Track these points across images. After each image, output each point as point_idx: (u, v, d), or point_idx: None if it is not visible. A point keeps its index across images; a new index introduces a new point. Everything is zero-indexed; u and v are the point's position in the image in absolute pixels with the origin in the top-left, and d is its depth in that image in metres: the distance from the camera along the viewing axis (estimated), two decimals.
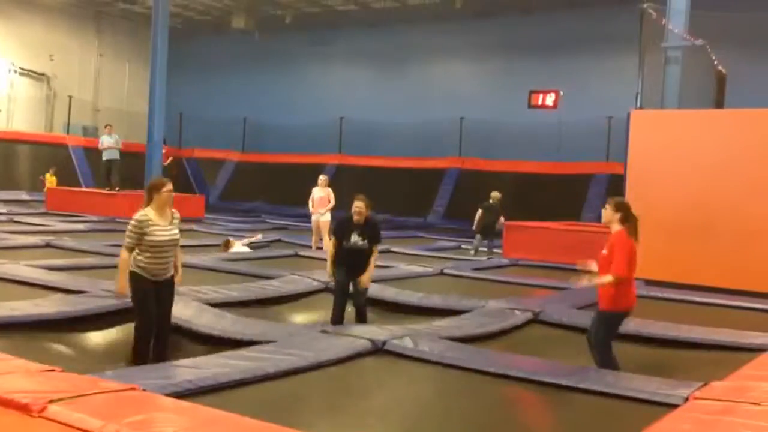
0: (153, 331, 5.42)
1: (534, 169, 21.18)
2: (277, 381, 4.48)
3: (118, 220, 14.62)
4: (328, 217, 12.19)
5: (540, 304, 7.65)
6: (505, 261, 12.24)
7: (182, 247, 11.21)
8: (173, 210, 5.60)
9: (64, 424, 3.08)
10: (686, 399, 4.24)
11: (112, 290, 6.53)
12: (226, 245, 11.75)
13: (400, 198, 22.25)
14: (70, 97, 25.55)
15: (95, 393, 3.47)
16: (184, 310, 6.32)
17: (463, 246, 14.93)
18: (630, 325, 6.88)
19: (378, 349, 5.33)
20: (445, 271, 10.32)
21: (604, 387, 4.61)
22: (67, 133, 25.01)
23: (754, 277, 9.39)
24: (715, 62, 12.62)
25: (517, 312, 7.13)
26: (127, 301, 5.65)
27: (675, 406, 4.16)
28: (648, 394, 4.46)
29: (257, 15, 25.82)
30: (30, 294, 6.68)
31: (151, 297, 5.40)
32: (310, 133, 25.31)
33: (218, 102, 27.55)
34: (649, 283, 9.75)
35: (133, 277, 5.41)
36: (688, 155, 10.14)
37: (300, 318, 7.42)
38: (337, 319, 6.69)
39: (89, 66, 27.33)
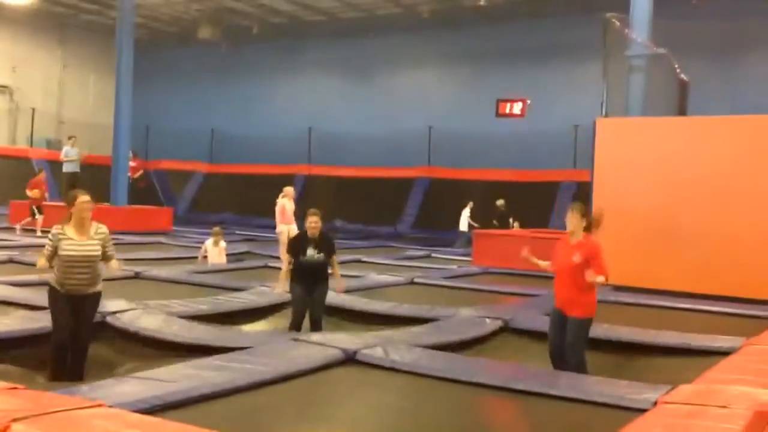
0: (66, 347, 5.33)
1: (503, 177, 21.33)
2: (247, 392, 4.44)
3: None
4: (295, 228, 12.08)
5: (510, 311, 7.69)
6: (476, 269, 12.29)
7: (151, 259, 11.17)
8: (98, 224, 5.42)
9: None
10: (655, 403, 4.28)
11: None
12: (216, 235, 11.56)
13: (369, 208, 22.25)
14: (33, 110, 25.16)
15: (60, 410, 3.39)
16: (152, 321, 6.26)
17: (433, 255, 14.96)
18: (599, 330, 6.96)
19: (349, 359, 5.31)
20: (416, 280, 10.33)
21: (573, 393, 4.63)
22: (31, 146, 24.61)
23: (719, 282, 9.55)
24: (678, 70, 12.84)
25: (487, 320, 7.16)
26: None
27: (644, 410, 4.20)
28: (616, 398, 4.49)
29: (224, 26, 25.70)
30: None
31: (64, 312, 5.30)
32: (279, 144, 25.21)
33: (185, 113, 27.34)
34: (618, 288, 9.87)
35: (49, 290, 5.39)
36: (653, 162, 10.29)
37: (270, 328, 7.36)
38: (296, 328, 6.79)
39: (53, 78, 26.96)
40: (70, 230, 5.32)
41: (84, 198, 5.34)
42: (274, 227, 12.84)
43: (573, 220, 5.82)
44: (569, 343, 5.63)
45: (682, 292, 9.52)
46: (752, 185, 9.69)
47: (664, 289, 9.67)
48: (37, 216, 15.77)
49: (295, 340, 5.68)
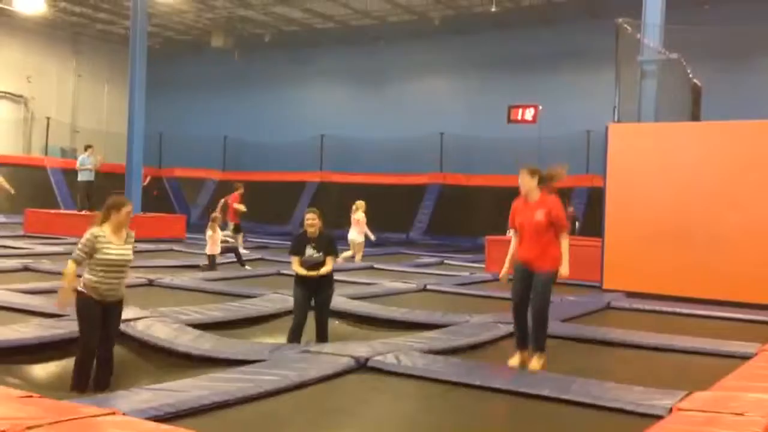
0: (95, 355, 5.26)
1: (515, 184, 21.18)
2: (259, 402, 4.44)
3: None
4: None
5: None
6: (488, 276, 12.24)
7: (165, 267, 11.23)
8: (129, 230, 5.50)
9: None
10: (670, 410, 4.25)
11: None
12: (214, 221, 12.04)
13: (381, 214, 22.19)
14: (48, 119, 25.37)
15: (74, 418, 3.41)
16: (165, 331, 6.25)
17: (445, 261, 14.93)
18: (613, 334, 6.93)
19: (361, 366, 5.30)
20: (429, 286, 10.31)
21: (588, 398, 4.61)
22: (45, 155, 24.82)
23: (733, 287, 9.47)
24: (690, 75, 12.77)
25: (500, 325, 7.14)
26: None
27: (659, 417, 4.17)
28: (632, 404, 4.46)
29: (236, 34, 25.85)
30: (8, 318, 6.58)
31: (97, 320, 5.24)
32: (291, 151, 25.30)
33: (198, 121, 27.48)
34: (630, 295, 9.81)
35: (81, 297, 5.25)
36: (666, 167, 10.24)
37: (282, 337, 7.36)
38: (295, 338, 6.59)
39: (67, 87, 27.20)
40: (108, 233, 5.31)
41: (129, 208, 5.43)
42: (289, 234, 12.99)
43: (524, 180, 5.96)
44: (535, 299, 5.74)
45: (695, 298, 9.45)
46: (765, 191, 9.62)
47: (676, 295, 9.60)
48: (229, 231, 15.42)
49: (306, 351, 5.67)
